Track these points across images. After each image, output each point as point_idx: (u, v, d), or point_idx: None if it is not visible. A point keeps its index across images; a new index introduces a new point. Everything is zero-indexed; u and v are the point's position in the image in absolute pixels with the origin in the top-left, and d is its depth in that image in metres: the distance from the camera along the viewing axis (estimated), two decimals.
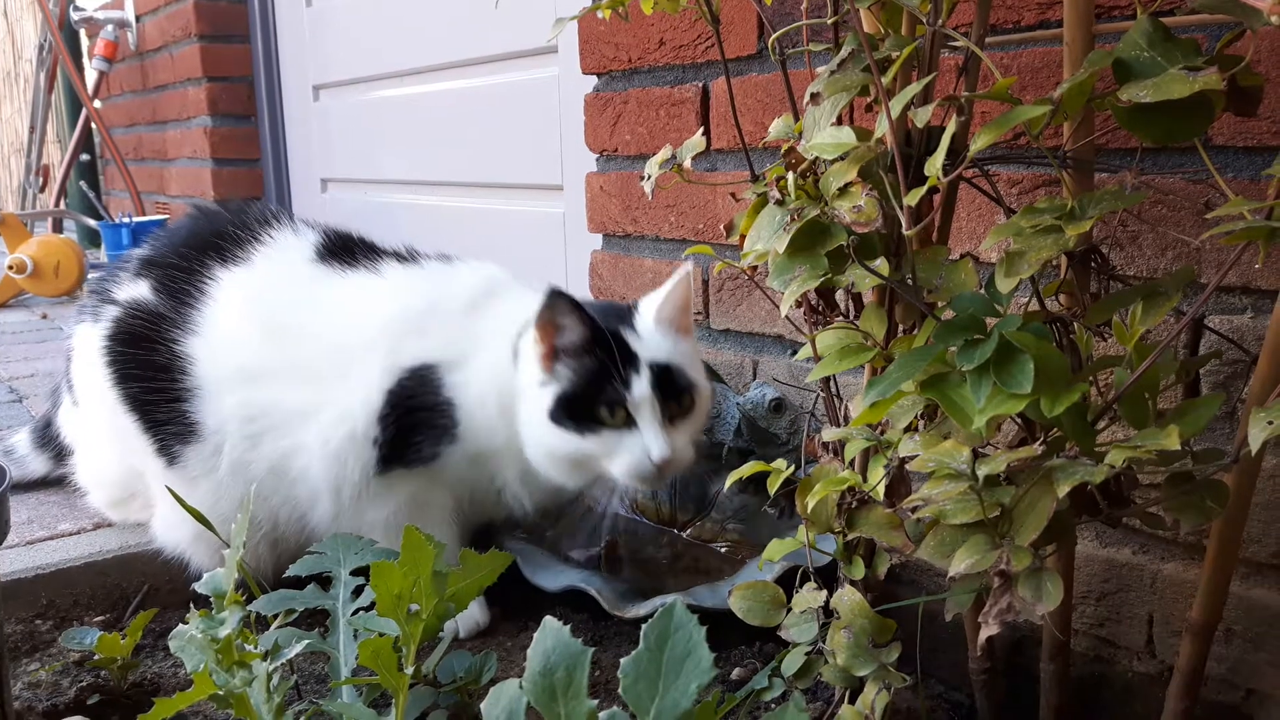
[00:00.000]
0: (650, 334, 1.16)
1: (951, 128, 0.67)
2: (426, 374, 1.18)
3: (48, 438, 1.48)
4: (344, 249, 1.28)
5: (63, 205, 4.38)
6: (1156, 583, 0.97)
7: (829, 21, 0.82)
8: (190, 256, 1.25)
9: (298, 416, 1.19)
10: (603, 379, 1.10)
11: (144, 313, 1.24)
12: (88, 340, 1.28)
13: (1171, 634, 0.96)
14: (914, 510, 0.71)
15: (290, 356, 1.21)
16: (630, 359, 1.11)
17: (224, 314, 1.22)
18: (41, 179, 4.92)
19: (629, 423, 1.11)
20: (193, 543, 1.25)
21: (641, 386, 1.10)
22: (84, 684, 1.10)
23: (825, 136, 0.74)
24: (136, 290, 1.26)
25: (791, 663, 0.88)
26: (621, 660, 0.68)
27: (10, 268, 3.15)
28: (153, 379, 1.22)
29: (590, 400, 1.11)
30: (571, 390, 1.12)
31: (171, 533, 1.27)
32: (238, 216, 1.29)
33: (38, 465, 1.49)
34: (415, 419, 1.17)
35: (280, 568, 1.18)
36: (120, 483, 1.32)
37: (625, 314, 1.18)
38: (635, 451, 1.10)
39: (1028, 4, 1.02)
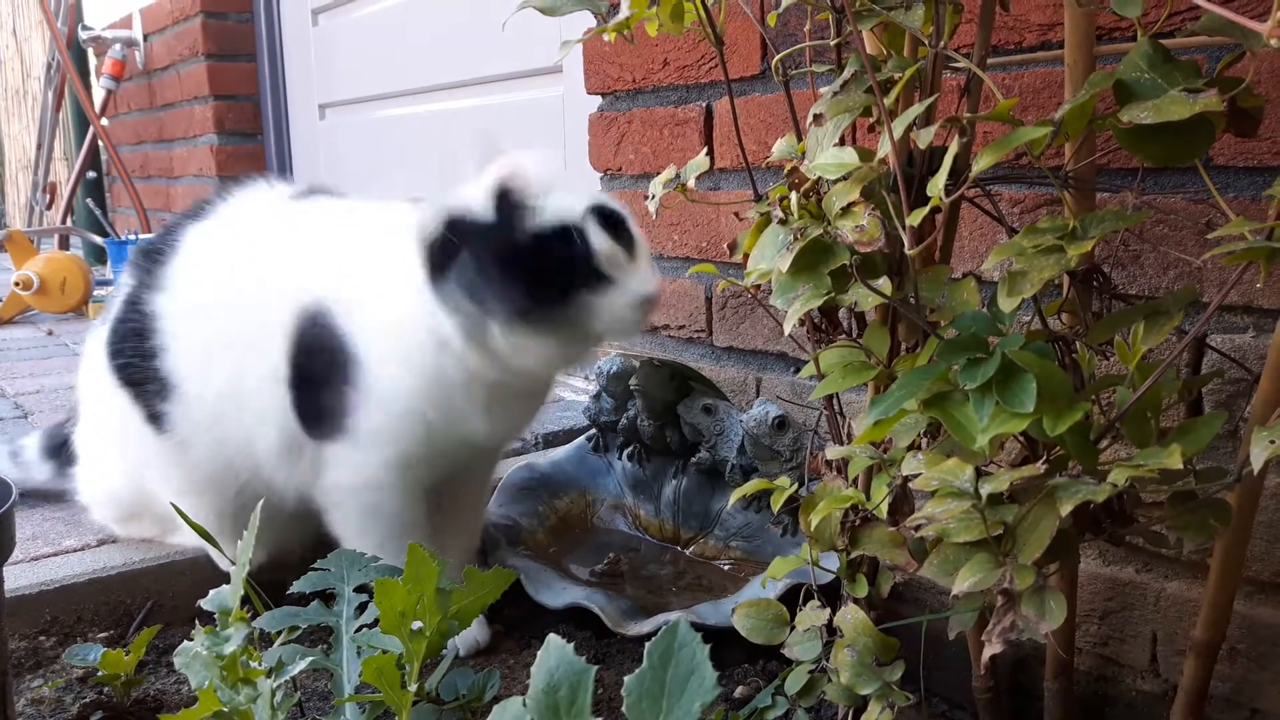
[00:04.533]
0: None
1: (954, 148, 0.68)
2: (324, 320, 1.10)
3: (56, 447, 1.48)
4: (318, 191, 1.25)
5: (69, 222, 4.40)
6: (1160, 601, 0.97)
7: (832, 43, 0.83)
8: (168, 229, 1.26)
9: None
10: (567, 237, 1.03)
11: (130, 294, 1.23)
12: (94, 340, 1.29)
13: (1175, 653, 0.96)
14: (917, 528, 0.71)
15: (243, 288, 1.17)
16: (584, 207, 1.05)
17: (186, 261, 1.21)
18: (49, 196, 4.94)
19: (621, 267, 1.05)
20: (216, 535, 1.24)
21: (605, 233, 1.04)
22: (87, 700, 1.10)
23: (828, 157, 0.75)
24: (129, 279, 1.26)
25: (795, 681, 0.88)
26: (625, 678, 0.68)
27: (17, 284, 3.16)
28: (134, 347, 1.20)
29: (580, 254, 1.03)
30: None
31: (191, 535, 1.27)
32: (219, 188, 1.29)
33: (41, 473, 1.49)
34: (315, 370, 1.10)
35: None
36: (129, 498, 1.32)
37: None
38: (632, 291, 1.04)
39: (1029, 25, 1.03)
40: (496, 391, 1.09)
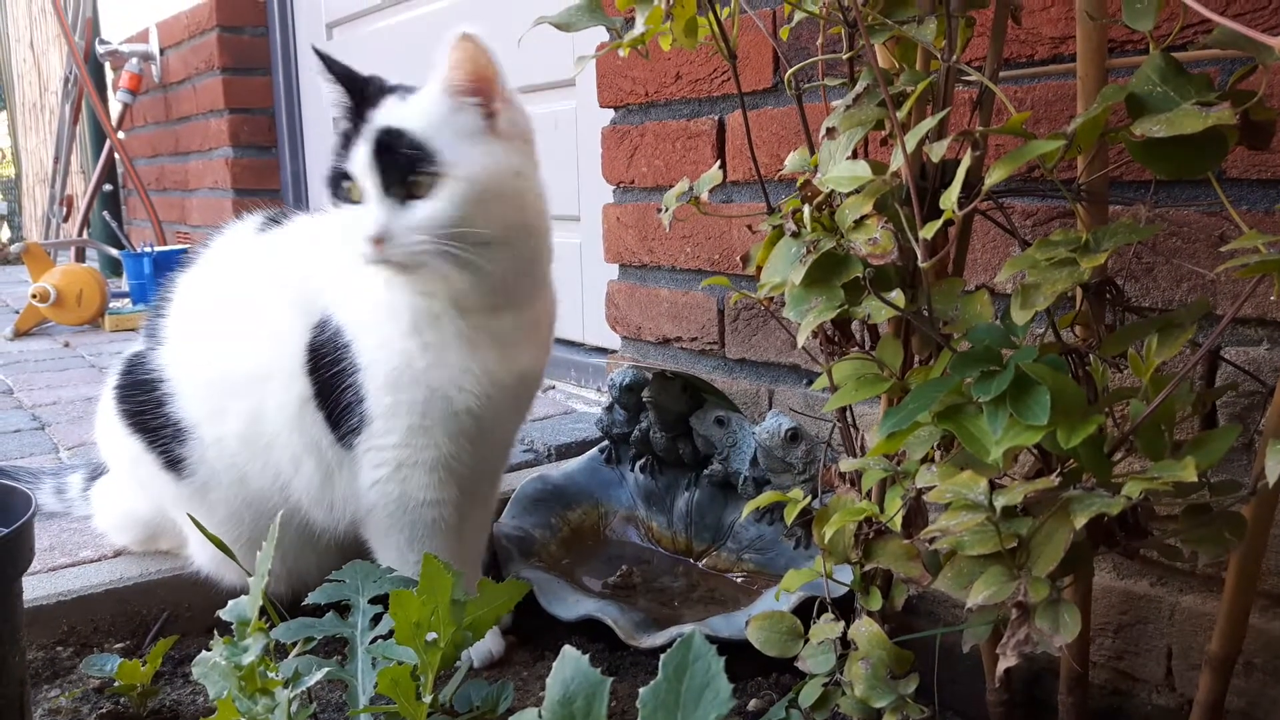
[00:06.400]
0: (418, 100, 1.05)
1: (966, 162, 0.68)
2: (327, 323, 1.13)
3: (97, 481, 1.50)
4: (283, 216, 1.27)
5: (86, 235, 4.43)
6: (1175, 615, 0.97)
7: (844, 57, 0.83)
8: (165, 286, 1.30)
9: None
10: (340, 148, 1.04)
11: (136, 351, 1.29)
12: (106, 390, 1.33)
13: (1190, 667, 0.96)
14: (931, 541, 0.71)
15: (237, 323, 1.20)
16: (363, 124, 1.02)
17: (179, 311, 1.25)
18: (65, 209, 4.98)
19: (365, 197, 1.02)
20: (224, 562, 1.26)
21: (361, 155, 1.01)
22: (104, 711, 1.10)
23: (841, 170, 0.75)
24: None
25: (809, 694, 0.88)
26: (640, 690, 0.68)
27: (34, 296, 3.18)
28: (143, 395, 1.24)
29: (334, 172, 1.04)
30: (331, 161, 1.06)
31: (202, 554, 1.29)
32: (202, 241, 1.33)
33: (84, 508, 1.50)
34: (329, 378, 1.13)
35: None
36: (153, 522, 1.34)
37: (409, 88, 1.08)
38: (352, 228, 1.01)
39: (1041, 39, 1.04)
40: (461, 327, 1.09)
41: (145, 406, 1.24)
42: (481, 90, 1.03)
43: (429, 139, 1.01)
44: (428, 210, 1.00)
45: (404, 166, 1.00)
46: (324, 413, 1.14)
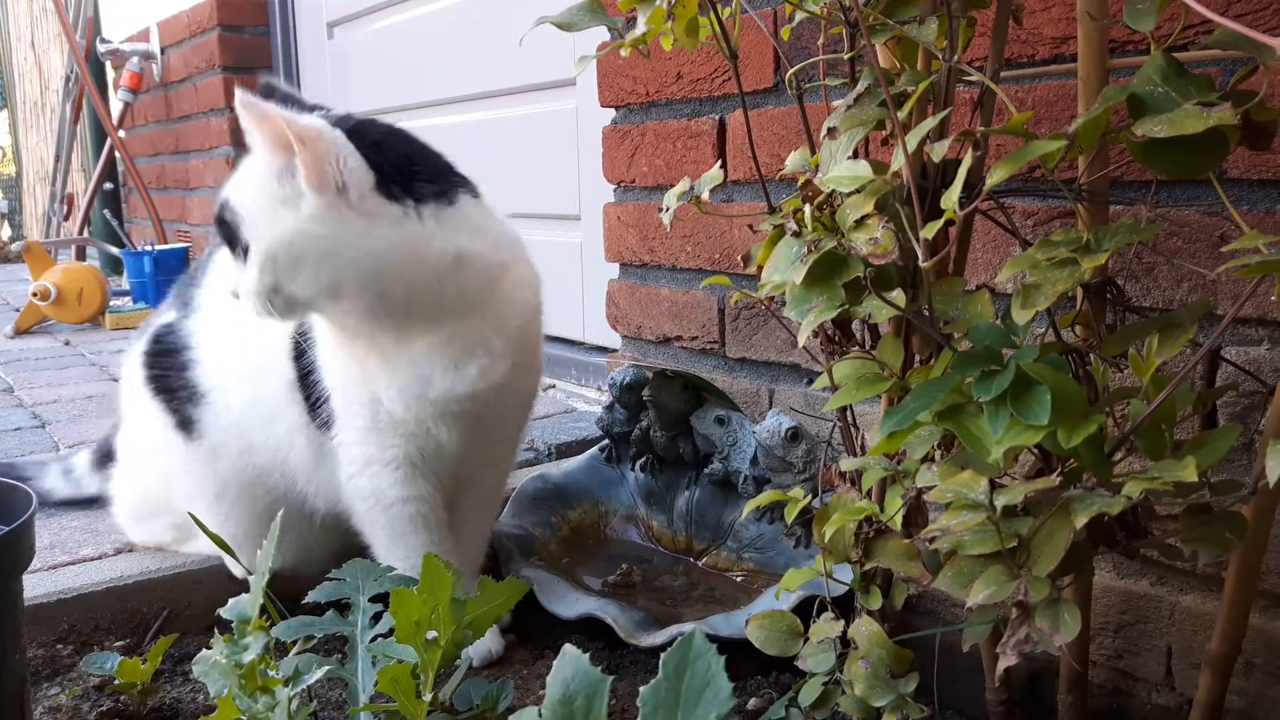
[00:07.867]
0: (245, 164, 1.07)
1: (967, 162, 0.68)
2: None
3: (103, 458, 1.51)
4: None
5: (86, 233, 4.43)
6: (1175, 614, 0.97)
7: (845, 57, 0.83)
8: (203, 257, 1.33)
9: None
10: None
11: (167, 320, 1.32)
12: (131, 356, 1.35)
13: (1190, 666, 0.96)
14: (931, 540, 0.71)
15: None
16: None
17: (213, 284, 1.27)
18: (66, 207, 4.98)
19: None
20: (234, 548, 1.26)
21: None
22: (104, 709, 1.10)
23: (842, 170, 0.75)
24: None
25: (809, 693, 0.88)
26: (640, 689, 0.68)
27: (34, 295, 3.19)
28: (167, 360, 1.27)
29: None
30: None
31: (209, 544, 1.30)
32: None
33: (93, 485, 1.52)
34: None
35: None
36: (152, 495, 1.34)
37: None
38: None
39: (1042, 39, 1.04)
40: (372, 348, 1.11)
41: (172, 373, 1.26)
42: (280, 144, 0.99)
43: (242, 206, 1.04)
44: (245, 275, 1.05)
45: (230, 234, 1.06)
46: (302, 395, 1.18)
